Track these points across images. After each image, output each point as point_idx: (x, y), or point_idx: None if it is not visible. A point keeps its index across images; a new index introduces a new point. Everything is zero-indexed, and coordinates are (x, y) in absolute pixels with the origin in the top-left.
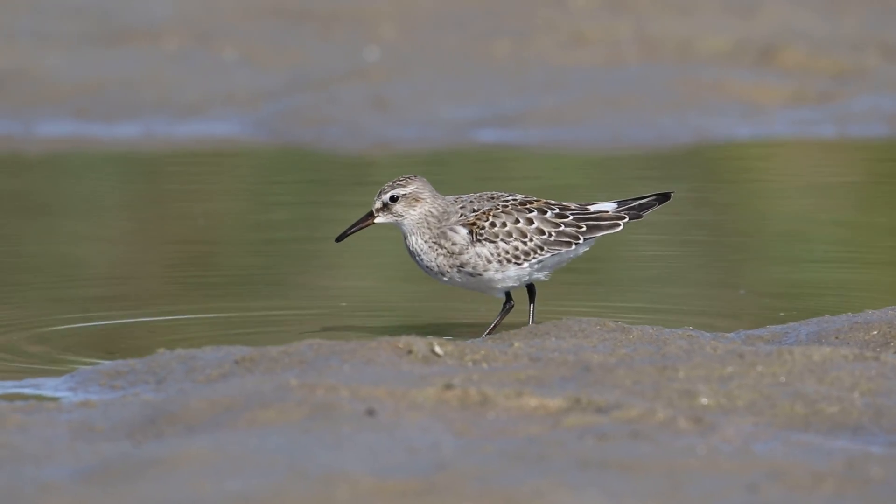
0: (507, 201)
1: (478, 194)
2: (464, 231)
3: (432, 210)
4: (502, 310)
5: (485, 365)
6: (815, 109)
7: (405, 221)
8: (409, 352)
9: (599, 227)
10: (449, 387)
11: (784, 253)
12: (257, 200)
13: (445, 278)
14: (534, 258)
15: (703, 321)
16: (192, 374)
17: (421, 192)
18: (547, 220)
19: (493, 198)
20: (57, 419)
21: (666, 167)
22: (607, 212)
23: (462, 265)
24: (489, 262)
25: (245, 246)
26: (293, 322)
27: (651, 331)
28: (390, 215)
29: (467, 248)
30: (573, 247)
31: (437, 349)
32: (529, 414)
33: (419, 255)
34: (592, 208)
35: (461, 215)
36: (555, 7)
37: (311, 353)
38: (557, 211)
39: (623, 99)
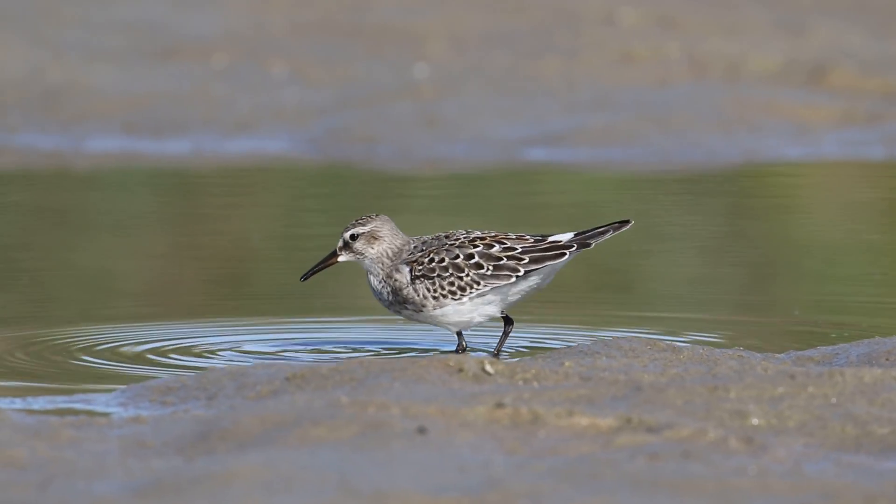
0: (458, 239)
1: (436, 234)
2: (406, 269)
3: (388, 250)
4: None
5: (535, 384)
6: (865, 130)
7: (364, 260)
8: (460, 370)
9: (544, 259)
10: (500, 405)
11: (834, 273)
12: (304, 217)
13: (402, 315)
14: (472, 292)
15: (752, 341)
16: (243, 391)
17: (379, 231)
18: (488, 255)
19: (447, 236)
20: (108, 434)
21: (714, 186)
22: (559, 242)
23: (404, 301)
24: (425, 297)
25: (292, 262)
26: (343, 338)
27: (701, 351)
28: (351, 253)
29: (407, 286)
30: (513, 279)
31: (488, 367)
32: (581, 433)
33: (377, 293)
34: (549, 239)
35: (411, 254)
36: (604, 26)
37: (362, 371)
38: (507, 245)
39: (672, 118)
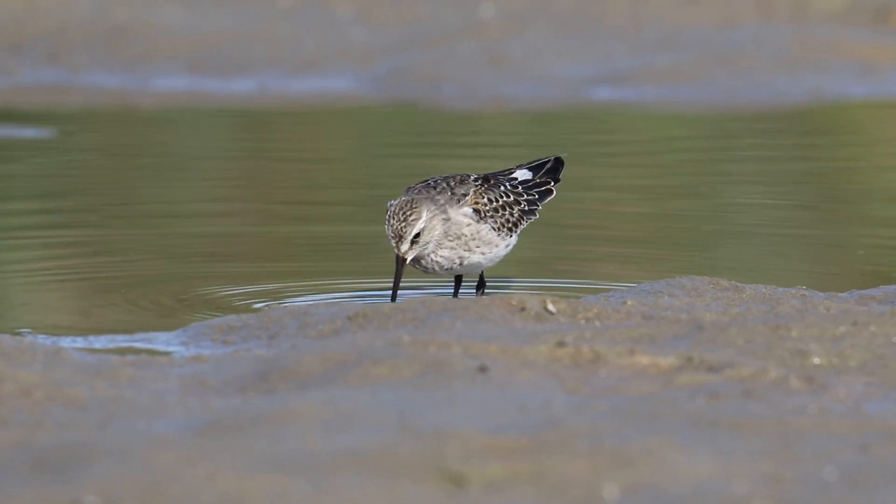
0: (476, 181)
1: (443, 177)
2: (470, 211)
3: (437, 216)
4: (480, 288)
5: (597, 323)
6: None
7: (429, 246)
8: (522, 309)
9: (548, 193)
10: (561, 344)
11: None
12: (369, 157)
13: (457, 269)
14: (519, 228)
15: (815, 281)
16: (305, 330)
17: (431, 213)
18: (513, 192)
19: (463, 180)
20: (168, 373)
21: (779, 125)
22: (535, 180)
23: (479, 244)
24: (500, 235)
25: (358, 203)
26: (403, 280)
27: (764, 290)
28: (416, 247)
29: (480, 228)
30: (536, 215)
31: (550, 306)
32: (641, 372)
33: (434, 264)
34: (518, 176)
35: (456, 199)
36: None
37: (424, 310)
38: (508, 184)
39: (738, 58)
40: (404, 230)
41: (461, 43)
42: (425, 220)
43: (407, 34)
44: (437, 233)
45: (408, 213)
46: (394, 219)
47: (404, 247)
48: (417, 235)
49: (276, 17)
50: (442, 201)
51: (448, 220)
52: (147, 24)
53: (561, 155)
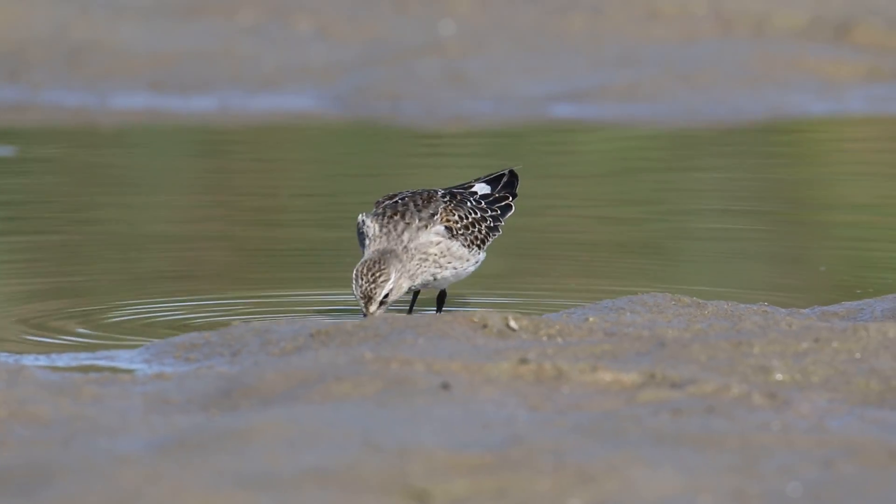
0: (444, 197)
1: (410, 194)
2: (442, 229)
3: (404, 274)
4: (442, 301)
5: (560, 339)
6: (891, 86)
7: (392, 297)
8: (484, 326)
9: (508, 209)
10: (524, 361)
11: (859, 229)
12: (331, 174)
13: (429, 285)
14: (485, 245)
15: (777, 297)
16: (267, 347)
17: (398, 274)
18: (479, 209)
19: (431, 197)
20: (131, 391)
21: (740, 142)
22: (494, 194)
23: (453, 260)
24: (470, 251)
25: (319, 221)
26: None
27: (726, 306)
28: (385, 307)
29: (451, 244)
30: (500, 231)
31: (512, 323)
32: (604, 389)
33: (418, 286)
34: (478, 190)
35: (424, 224)
36: None
37: (386, 327)
38: (473, 201)
39: (698, 74)
40: (374, 291)
41: (421, 60)
42: (394, 281)
43: (367, 51)
44: (403, 291)
45: (377, 274)
46: (362, 279)
47: (373, 307)
48: (386, 296)
49: (236, 34)
50: (405, 241)
51: (411, 273)
52: (107, 43)
53: (514, 167)
